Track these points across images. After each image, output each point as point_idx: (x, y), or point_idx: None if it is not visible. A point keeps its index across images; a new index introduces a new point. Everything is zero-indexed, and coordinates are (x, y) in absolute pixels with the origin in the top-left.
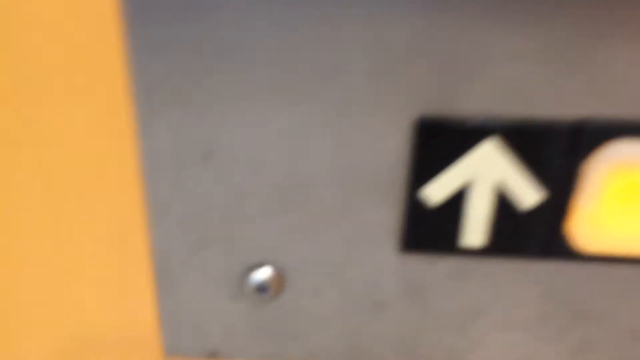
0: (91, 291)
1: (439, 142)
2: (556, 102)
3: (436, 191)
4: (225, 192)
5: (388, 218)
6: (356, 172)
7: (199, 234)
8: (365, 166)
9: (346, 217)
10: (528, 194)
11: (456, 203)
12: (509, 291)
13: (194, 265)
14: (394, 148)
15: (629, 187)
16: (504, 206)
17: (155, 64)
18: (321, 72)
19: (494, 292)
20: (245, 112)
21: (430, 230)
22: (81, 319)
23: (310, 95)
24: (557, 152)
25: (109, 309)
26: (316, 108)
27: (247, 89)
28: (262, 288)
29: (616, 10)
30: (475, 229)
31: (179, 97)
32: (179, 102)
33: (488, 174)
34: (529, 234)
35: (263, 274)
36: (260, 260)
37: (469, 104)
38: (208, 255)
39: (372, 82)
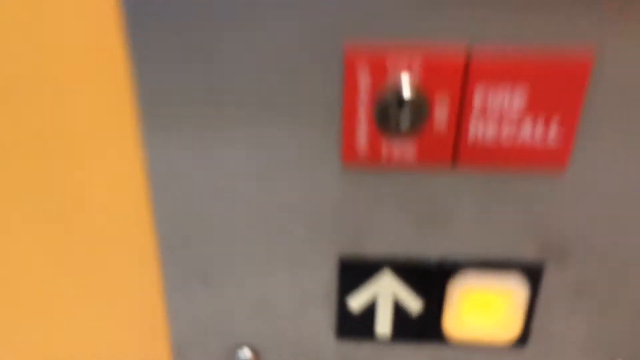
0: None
1: (354, 274)
2: (425, 247)
3: (355, 303)
4: None
5: (326, 319)
6: (311, 293)
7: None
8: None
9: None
10: (413, 303)
11: (370, 309)
12: None
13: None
14: (327, 280)
15: (474, 297)
16: (400, 310)
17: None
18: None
19: None
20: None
21: (354, 325)
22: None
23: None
24: (426, 279)
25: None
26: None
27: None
28: None
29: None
30: (383, 324)
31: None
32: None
33: (386, 291)
34: (419, 325)
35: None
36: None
37: (371, 247)
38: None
39: (310, 235)
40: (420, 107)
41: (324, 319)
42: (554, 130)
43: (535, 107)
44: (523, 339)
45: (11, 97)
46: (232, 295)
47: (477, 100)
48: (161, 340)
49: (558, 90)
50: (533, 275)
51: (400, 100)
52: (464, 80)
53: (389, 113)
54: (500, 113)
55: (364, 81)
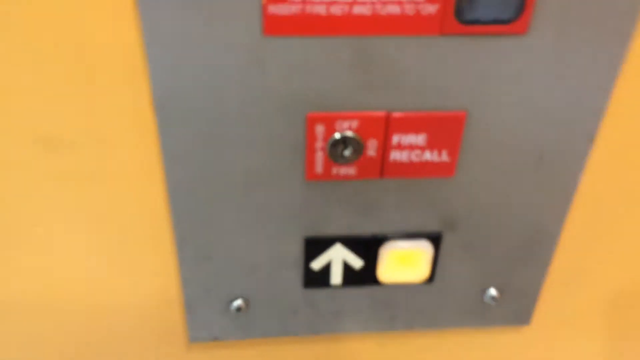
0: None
1: (315, 247)
2: (364, 227)
3: (316, 265)
4: None
5: (296, 276)
6: (285, 261)
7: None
8: (290, 260)
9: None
10: (356, 262)
11: (327, 268)
12: (354, 302)
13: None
14: (297, 252)
15: (397, 256)
16: (348, 268)
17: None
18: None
19: (347, 304)
20: None
21: (316, 279)
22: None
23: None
24: (364, 247)
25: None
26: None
27: None
28: (238, 308)
29: None
30: (336, 277)
31: None
32: None
33: (338, 256)
34: (361, 276)
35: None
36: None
37: (327, 230)
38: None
39: (284, 224)
40: (358, 143)
41: (295, 277)
42: (444, 155)
43: (431, 143)
44: (431, 279)
45: None
46: (229, 264)
47: (394, 140)
48: (176, 299)
49: (445, 133)
50: (435, 240)
51: (345, 139)
52: (385, 129)
53: (337, 148)
54: (409, 146)
55: (320, 133)
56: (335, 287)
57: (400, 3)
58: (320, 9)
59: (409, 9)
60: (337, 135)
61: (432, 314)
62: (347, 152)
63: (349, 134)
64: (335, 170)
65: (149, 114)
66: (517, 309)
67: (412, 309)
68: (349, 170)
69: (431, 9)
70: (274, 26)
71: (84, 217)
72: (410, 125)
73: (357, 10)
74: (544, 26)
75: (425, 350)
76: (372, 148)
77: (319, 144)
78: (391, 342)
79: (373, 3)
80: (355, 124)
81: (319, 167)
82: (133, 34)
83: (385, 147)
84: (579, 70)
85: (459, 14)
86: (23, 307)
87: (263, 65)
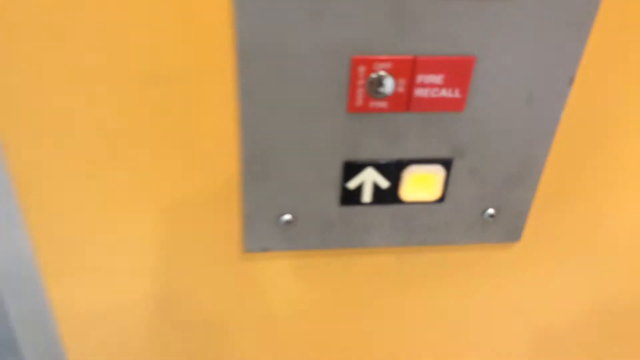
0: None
1: (351, 170)
2: (391, 153)
3: (351, 184)
4: None
5: (334, 195)
6: (327, 181)
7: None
8: (330, 180)
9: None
10: (384, 183)
11: (359, 188)
12: (380, 219)
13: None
14: (336, 174)
15: (416, 178)
16: (377, 188)
17: None
18: None
19: (374, 220)
20: None
21: (350, 197)
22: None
23: None
24: (390, 171)
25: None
26: None
27: None
28: (287, 221)
29: None
30: (366, 196)
31: None
32: None
33: (369, 178)
34: (386, 195)
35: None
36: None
37: (362, 155)
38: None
39: (328, 150)
40: (391, 81)
41: (334, 195)
42: (457, 93)
43: (447, 82)
44: (442, 199)
45: None
46: (282, 182)
47: (418, 79)
48: (236, 213)
49: (458, 74)
50: (447, 165)
51: (380, 78)
52: (412, 71)
53: (373, 87)
54: (430, 85)
55: (361, 72)
56: (365, 204)
57: None
58: None
59: None
60: (375, 75)
61: (441, 230)
62: (381, 89)
63: (384, 73)
64: (371, 103)
65: (230, 56)
66: (510, 227)
67: (425, 226)
68: (382, 104)
69: None
70: None
71: (172, 139)
72: (431, 67)
73: None
74: None
75: (434, 264)
76: (401, 85)
77: (360, 81)
78: (407, 256)
79: None
80: (388, 65)
81: (359, 101)
82: None
83: (411, 85)
84: (561, 23)
85: None
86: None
87: (322, 16)
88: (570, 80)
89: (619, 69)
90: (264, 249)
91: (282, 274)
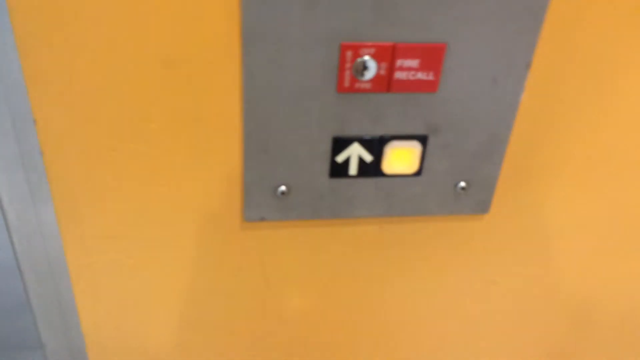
0: None
1: (340, 144)
2: (374, 128)
3: (340, 158)
4: None
5: (325, 168)
6: (318, 155)
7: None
8: (321, 153)
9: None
10: (368, 157)
11: (347, 161)
12: (364, 190)
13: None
14: (326, 148)
15: (397, 153)
16: (362, 161)
17: None
18: None
19: (359, 192)
20: None
21: (339, 170)
22: None
23: None
24: (374, 146)
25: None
26: None
27: None
28: (282, 192)
29: None
30: (353, 169)
31: None
32: None
33: (355, 152)
34: (370, 168)
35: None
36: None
37: (349, 132)
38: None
39: (319, 127)
40: (372, 67)
41: (324, 168)
42: (431, 75)
43: (422, 66)
44: (419, 172)
45: None
46: (279, 156)
47: (397, 63)
48: (238, 184)
49: (432, 59)
50: (423, 141)
51: (364, 64)
52: (392, 56)
53: (358, 70)
54: (408, 68)
55: (349, 56)
56: (352, 177)
57: None
58: None
59: None
60: (360, 59)
61: (419, 202)
62: (366, 72)
63: (368, 58)
64: (357, 85)
65: (237, 43)
66: (479, 199)
67: (405, 197)
68: (367, 85)
69: None
70: None
71: (184, 116)
72: (409, 52)
73: None
74: None
75: (413, 233)
76: (382, 68)
77: (348, 65)
78: (388, 226)
79: None
80: (372, 51)
81: (347, 82)
82: None
83: (391, 68)
84: (518, 15)
85: None
86: None
87: (315, 8)
88: (528, 65)
89: (570, 55)
90: (262, 218)
91: (276, 243)
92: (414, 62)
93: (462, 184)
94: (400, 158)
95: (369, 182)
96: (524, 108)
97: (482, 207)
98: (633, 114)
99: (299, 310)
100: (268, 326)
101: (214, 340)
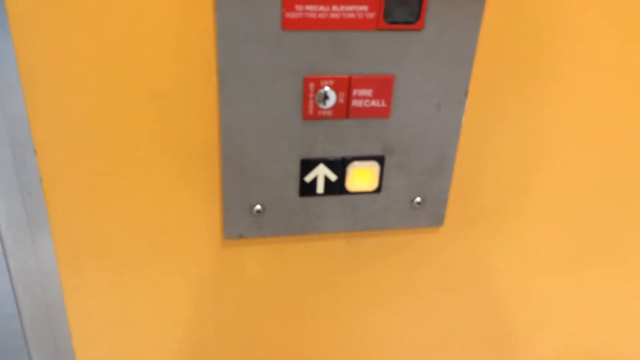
0: None
1: (307, 166)
2: (337, 152)
3: (307, 178)
4: None
5: (295, 187)
6: (288, 175)
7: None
8: (290, 175)
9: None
10: (333, 177)
11: (314, 181)
12: (331, 207)
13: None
14: (294, 170)
15: (358, 173)
16: (327, 181)
17: None
18: None
19: (327, 209)
20: None
21: (307, 189)
22: None
23: None
24: (337, 166)
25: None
26: None
27: None
28: (258, 211)
29: None
30: (320, 187)
31: None
32: None
33: (321, 172)
34: (335, 187)
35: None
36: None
37: (315, 154)
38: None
39: (288, 150)
40: (332, 96)
41: (294, 188)
42: (383, 103)
43: (375, 95)
44: (378, 189)
45: None
46: (253, 176)
47: (354, 93)
48: (217, 204)
49: (383, 89)
50: (380, 161)
51: (325, 92)
52: (349, 86)
53: (320, 99)
54: (363, 97)
55: (312, 88)
56: (319, 195)
57: (355, 12)
58: (312, 15)
59: (360, 15)
60: (322, 90)
61: (380, 217)
62: (327, 101)
63: (328, 89)
64: (320, 112)
65: (214, 77)
66: (434, 213)
67: (368, 213)
68: (328, 113)
69: (371, 15)
70: (288, 24)
71: (168, 141)
72: (363, 83)
73: (332, 15)
74: (433, 24)
75: (376, 246)
76: (341, 98)
77: (311, 95)
78: (355, 239)
79: (341, 12)
80: (331, 82)
81: (310, 110)
82: (209, 28)
83: (349, 97)
84: (453, 50)
85: (386, 16)
86: None
87: (281, 47)
88: (465, 93)
89: (501, 81)
90: (240, 236)
91: (254, 258)
92: (368, 92)
93: (418, 199)
94: (362, 177)
95: (335, 200)
96: (466, 129)
97: (436, 220)
98: (558, 125)
99: (277, 320)
100: (250, 334)
101: (204, 355)
